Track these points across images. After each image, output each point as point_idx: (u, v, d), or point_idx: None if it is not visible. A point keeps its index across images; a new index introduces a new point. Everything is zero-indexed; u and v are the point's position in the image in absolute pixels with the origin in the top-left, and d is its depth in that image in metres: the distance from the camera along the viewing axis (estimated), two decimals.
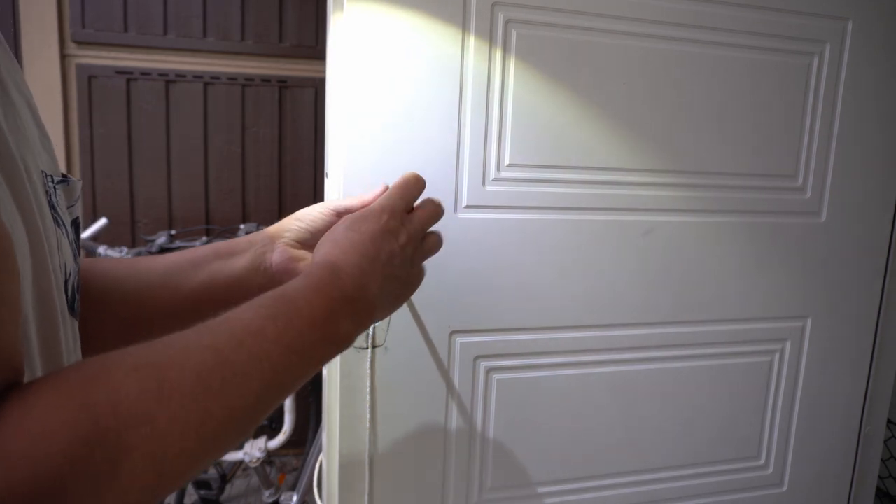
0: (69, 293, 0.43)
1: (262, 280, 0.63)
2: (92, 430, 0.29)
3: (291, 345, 0.41)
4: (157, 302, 0.59)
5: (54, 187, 0.42)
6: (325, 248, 0.53)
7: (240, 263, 0.63)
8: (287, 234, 0.66)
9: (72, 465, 0.28)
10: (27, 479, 0.26)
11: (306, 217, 0.67)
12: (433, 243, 0.64)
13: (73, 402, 0.29)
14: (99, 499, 0.29)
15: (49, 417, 0.28)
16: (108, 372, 0.32)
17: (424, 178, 0.65)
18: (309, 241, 0.66)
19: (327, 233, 0.57)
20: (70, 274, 0.43)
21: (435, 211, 0.64)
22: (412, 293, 0.61)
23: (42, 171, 0.40)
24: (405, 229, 0.57)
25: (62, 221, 0.42)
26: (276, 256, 0.64)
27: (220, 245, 0.65)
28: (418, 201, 0.64)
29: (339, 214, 0.66)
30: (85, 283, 0.55)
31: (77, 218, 0.48)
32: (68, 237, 0.44)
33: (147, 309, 0.59)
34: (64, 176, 0.46)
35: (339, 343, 0.48)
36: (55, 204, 0.41)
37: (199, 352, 0.36)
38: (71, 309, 0.44)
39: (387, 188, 0.65)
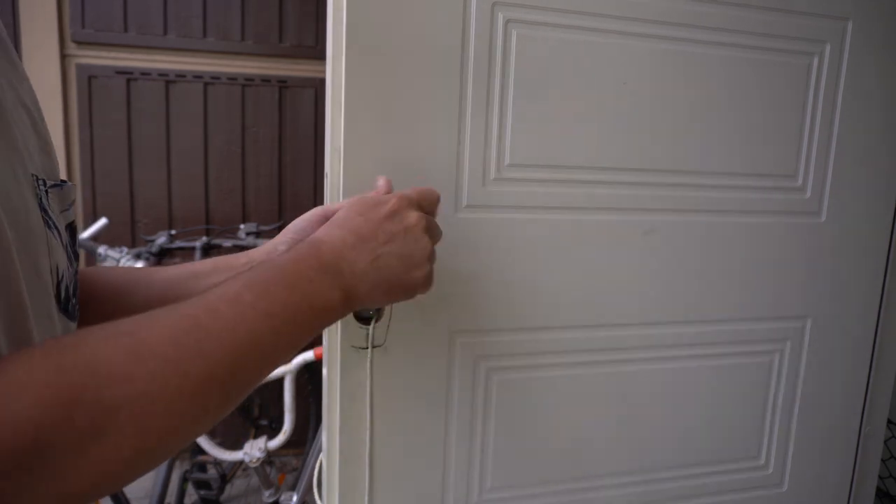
0: (62, 294, 0.43)
1: None
2: (68, 390, 0.29)
3: (269, 309, 0.41)
4: None
5: (46, 191, 0.42)
6: (317, 232, 0.53)
7: None
8: (281, 248, 0.67)
9: (51, 426, 0.28)
10: (6, 441, 0.26)
11: (296, 227, 0.69)
12: (433, 227, 0.62)
13: (49, 364, 0.29)
14: (86, 457, 0.29)
15: (24, 380, 0.28)
16: (83, 339, 0.32)
17: (424, 175, 0.65)
18: None
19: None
20: (63, 276, 0.44)
21: (431, 190, 0.65)
22: (422, 277, 0.57)
23: (33, 175, 0.41)
24: (409, 212, 0.56)
25: (53, 224, 0.43)
26: None
27: (219, 260, 0.66)
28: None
29: (328, 217, 0.66)
30: (89, 292, 0.56)
31: (73, 222, 0.48)
32: (61, 240, 0.44)
33: None
34: (62, 181, 0.46)
35: (324, 311, 0.47)
36: (46, 207, 0.42)
37: (174, 319, 0.36)
38: (65, 310, 0.44)
39: (387, 180, 0.66)
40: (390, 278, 0.53)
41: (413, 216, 0.56)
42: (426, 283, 0.58)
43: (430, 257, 0.58)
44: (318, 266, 0.47)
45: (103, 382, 0.30)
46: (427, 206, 0.62)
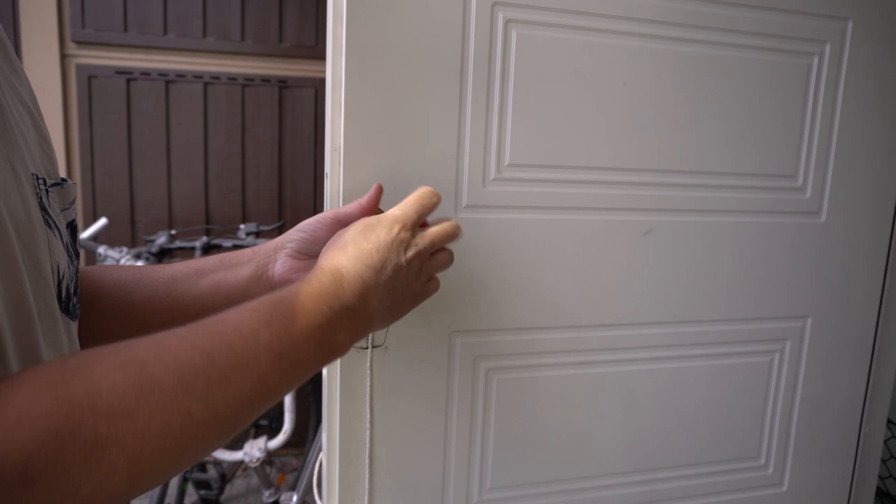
0: (63, 294, 0.43)
1: (264, 290, 0.63)
2: (66, 422, 0.29)
3: (283, 353, 0.40)
4: (164, 308, 0.60)
5: (46, 190, 0.42)
6: (331, 253, 0.53)
7: (243, 273, 0.64)
8: (289, 245, 0.67)
9: (42, 456, 0.28)
10: None
11: (307, 227, 0.68)
12: (444, 260, 0.64)
13: (51, 394, 0.29)
14: (73, 490, 0.29)
15: (24, 408, 0.28)
16: (90, 366, 0.32)
17: (424, 179, 0.66)
18: (311, 250, 0.66)
19: (335, 236, 0.57)
20: (63, 275, 0.44)
21: (451, 231, 0.63)
22: (415, 306, 0.60)
23: (33, 174, 0.41)
24: (415, 243, 0.56)
25: (54, 223, 0.43)
26: (278, 267, 0.64)
27: (225, 255, 0.66)
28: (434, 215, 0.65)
29: (340, 222, 0.66)
30: (93, 290, 0.56)
31: (73, 221, 0.48)
32: (62, 239, 0.44)
33: (154, 315, 0.60)
34: (63, 179, 0.46)
35: (332, 353, 0.47)
36: (46, 206, 0.42)
37: (186, 351, 0.36)
38: (66, 309, 0.44)
39: (380, 187, 0.66)
40: (391, 311, 0.55)
41: (412, 247, 0.56)
42: (418, 302, 0.61)
43: (432, 286, 0.61)
44: (340, 308, 0.46)
45: (101, 417, 0.30)
46: (424, 213, 0.62)
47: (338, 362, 0.84)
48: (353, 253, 0.52)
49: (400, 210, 0.59)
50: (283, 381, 0.41)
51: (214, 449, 0.38)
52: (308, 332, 0.43)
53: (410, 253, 0.55)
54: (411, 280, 0.55)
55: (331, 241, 0.56)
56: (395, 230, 0.55)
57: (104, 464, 0.30)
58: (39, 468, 0.28)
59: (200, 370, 0.35)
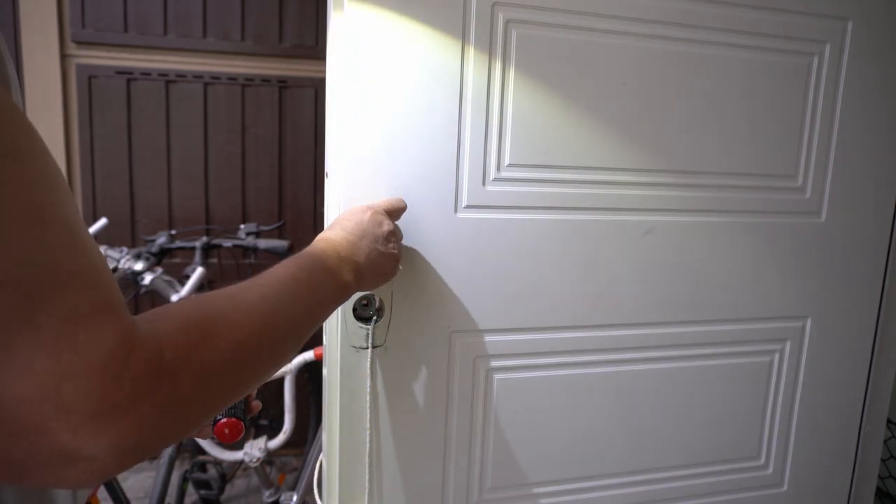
0: None
1: None
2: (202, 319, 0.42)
3: (315, 285, 0.57)
4: None
5: None
6: (323, 233, 0.69)
7: None
8: None
9: (182, 343, 0.39)
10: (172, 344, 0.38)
11: None
12: (399, 231, 0.81)
13: (190, 306, 0.43)
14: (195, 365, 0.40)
15: (174, 310, 0.41)
16: (204, 297, 0.46)
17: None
18: None
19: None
20: None
21: (398, 202, 0.80)
22: (393, 269, 0.74)
23: None
24: (385, 219, 0.74)
25: None
26: None
27: None
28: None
29: None
30: None
31: None
32: None
33: None
34: None
35: (344, 287, 0.63)
36: None
37: (259, 286, 0.51)
38: None
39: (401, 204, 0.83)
40: (377, 267, 0.70)
41: (386, 223, 0.73)
42: (394, 273, 0.75)
43: (399, 255, 0.76)
44: (337, 257, 0.63)
45: (219, 318, 0.43)
46: (394, 214, 0.78)
47: (338, 362, 0.84)
48: (335, 226, 0.70)
49: (370, 203, 0.77)
50: (321, 310, 0.59)
51: (286, 355, 0.51)
52: (326, 271, 0.60)
53: (385, 224, 0.73)
54: (384, 242, 0.71)
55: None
56: (367, 211, 0.73)
57: (219, 339, 0.42)
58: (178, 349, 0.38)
59: (268, 298, 0.49)
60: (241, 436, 1.46)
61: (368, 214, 0.72)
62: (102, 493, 1.67)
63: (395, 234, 0.75)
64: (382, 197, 0.82)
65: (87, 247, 0.34)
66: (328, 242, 0.65)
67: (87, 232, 0.36)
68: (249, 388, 0.47)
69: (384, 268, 0.72)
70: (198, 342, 0.39)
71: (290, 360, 0.54)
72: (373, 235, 0.70)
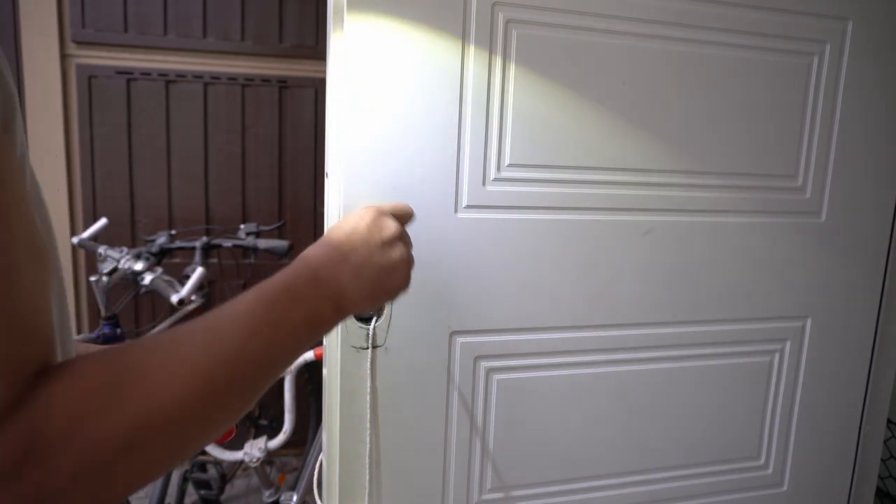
0: None
1: None
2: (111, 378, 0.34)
3: (275, 322, 0.46)
4: None
5: None
6: (307, 249, 0.57)
7: None
8: None
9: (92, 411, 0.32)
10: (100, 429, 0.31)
11: None
12: (408, 237, 0.67)
13: (104, 364, 0.35)
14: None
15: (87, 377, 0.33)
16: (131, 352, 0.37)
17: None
18: None
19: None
20: None
21: (405, 207, 0.69)
22: (401, 281, 0.61)
23: None
24: (389, 221, 0.61)
25: None
26: None
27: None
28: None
29: None
30: None
31: None
32: None
33: None
34: None
35: (317, 323, 0.51)
36: None
37: (203, 329, 0.41)
38: None
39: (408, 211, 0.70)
40: (374, 285, 0.57)
41: (390, 227, 0.60)
42: (405, 285, 0.62)
43: (409, 262, 0.62)
44: (313, 282, 0.51)
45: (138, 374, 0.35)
46: (401, 216, 0.66)
47: (338, 362, 0.84)
48: (319, 242, 0.57)
49: (373, 205, 0.64)
50: (281, 350, 0.46)
51: (237, 411, 0.42)
52: (293, 303, 0.48)
53: (388, 228, 0.60)
54: (388, 252, 0.58)
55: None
56: (368, 212, 0.61)
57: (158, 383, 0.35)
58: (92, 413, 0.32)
59: (212, 343, 0.40)
60: (232, 436, 1.46)
61: (368, 218, 0.60)
62: None
63: (402, 238, 0.62)
64: (382, 197, 0.82)
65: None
66: (304, 263, 0.53)
67: (16, 273, 0.30)
68: (181, 459, 0.39)
69: (386, 283, 0.59)
70: (95, 412, 0.31)
71: (245, 412, 0.43)
72: (371, 244, 0.58)
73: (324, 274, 0.52)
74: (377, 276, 0.57)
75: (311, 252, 0.55)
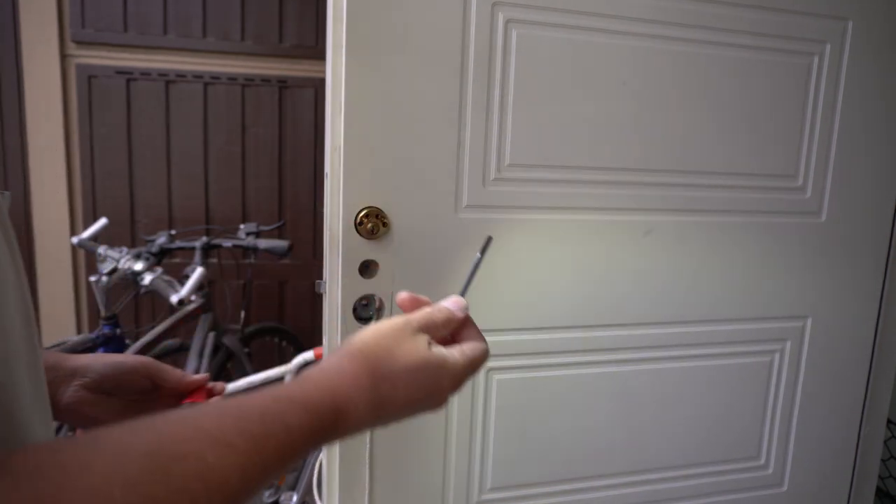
0: None
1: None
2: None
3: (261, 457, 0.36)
4: None
5: None
6: (350, 366, 0.44)
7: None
8: (88, 375, 0.58)
9: None
10: None
11: (118, 369, 0.59)
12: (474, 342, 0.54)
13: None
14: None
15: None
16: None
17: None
18: (111, 390, 0.58)
19: (358, 343, 0.46)
20: None
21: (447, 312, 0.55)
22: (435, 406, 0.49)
23: None
24: (451, 361, 0.48)
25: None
26: (67, 396, 0.57)
27: (49, 355, 0.57)
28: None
29: (149, 372, 0.59)
30: None
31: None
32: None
33: None
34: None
35: (306, 453, 0.41)
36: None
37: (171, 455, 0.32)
38: None
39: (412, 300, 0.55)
40: (401, 417, 0.46)
41: (446, 379, 0.47)
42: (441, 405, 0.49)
43: (455, 388, 0.49)
44: (333, 434, 0.41)
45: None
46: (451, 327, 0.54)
47: None
48: (374, 380, 0.44)
49: (425, 320, 0.51)
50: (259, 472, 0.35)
51: None
52: (290, 446, 0.38)
53: (445, 381, 0.47)
54: (437, 398, 0.47)
55: (355, 346, 0.46)
56: (448, 367, 0.47)
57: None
58: None
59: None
60: None
61: (448, 375, 0.46)
62: None
63: (453, 370, 0.48)
64: (383, 198, 0.82)
65: None
66: (336, 412, 0.41)
67: None
68: None
69: (417, 411, 0.47)
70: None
71: None
72: (417, 398, 0.45)
73: (350, 429, 0.42)
74: (409, 414, 0.46)
75: (356, 395, 0.42)
